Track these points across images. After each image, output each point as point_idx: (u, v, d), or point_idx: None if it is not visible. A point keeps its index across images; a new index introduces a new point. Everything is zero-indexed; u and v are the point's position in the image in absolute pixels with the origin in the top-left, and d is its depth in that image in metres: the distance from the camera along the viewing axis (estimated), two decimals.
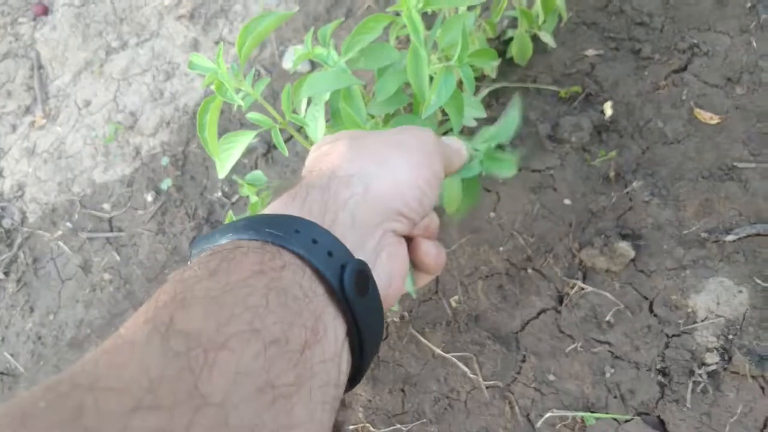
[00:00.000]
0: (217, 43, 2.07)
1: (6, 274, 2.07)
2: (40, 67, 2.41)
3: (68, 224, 2.01)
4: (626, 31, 1.68)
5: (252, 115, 1.25)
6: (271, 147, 1.85)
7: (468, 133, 1.33)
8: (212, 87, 1.11)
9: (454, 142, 0.80)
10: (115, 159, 2.02)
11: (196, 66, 1.10)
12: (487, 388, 1.46)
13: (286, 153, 1.26)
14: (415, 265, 0.70)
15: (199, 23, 2.12)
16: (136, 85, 2.11)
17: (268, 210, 0.57)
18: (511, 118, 1.22)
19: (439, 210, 1.18)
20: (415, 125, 0.87)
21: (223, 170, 1.25)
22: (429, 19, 1.73)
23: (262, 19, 1.11)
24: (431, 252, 0.70)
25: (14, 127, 2.33)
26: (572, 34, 1.69)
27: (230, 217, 1.40)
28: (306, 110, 1.34)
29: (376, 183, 0.59)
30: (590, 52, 1.66)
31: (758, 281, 1.38)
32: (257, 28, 1.11)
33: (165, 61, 2.12)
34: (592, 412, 1.37)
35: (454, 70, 1.21)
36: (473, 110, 1.35)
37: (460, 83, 1.31)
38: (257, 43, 1.14)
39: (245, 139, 1.21)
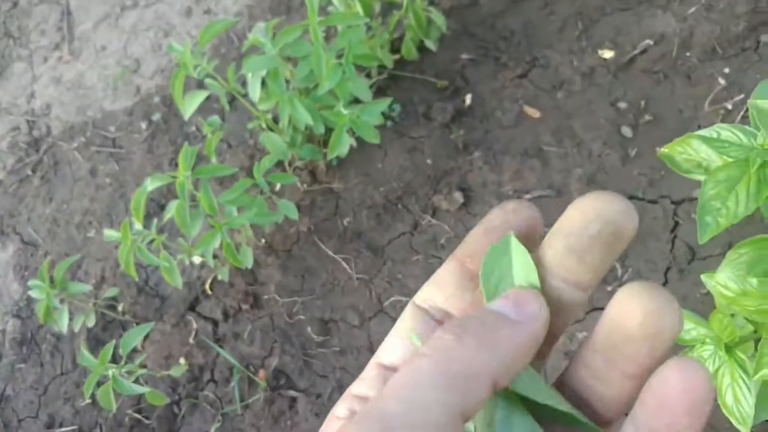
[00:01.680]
0: (205, 12, 2.64)
1: (33, 172, 2.69)
2: (69, 13, 2.98)
3: (82, 139, 2.62)
4: (493, 43, 2.26)
5: (209, 81, 1.85)
6: (234, 98, 2.45)
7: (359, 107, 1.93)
8: (179, 62, 1.71)
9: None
10: (120, 94, 2.62)
11: (174, 49, 1.71)
12: (357, 279, 2.10)
13: (227, 107, 1.87)
14: None
15: None
16: (141, 38, 2.69)
17: None
18: (381, 105, 1.84)
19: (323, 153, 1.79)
20: None
21: (186, 114, 1.85)
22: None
23: (216, 23, 1.71)
24: None
25: (45, 59, 2.92)
26: (455, 41, 2.27)
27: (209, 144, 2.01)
28: (250, 79, 1.95)
29: None
30: (464, 55, 2.25)
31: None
32: (213, 28, 1.71)
33: (165, 22, 2.69)
34: None
35: (342, 65, 1.81)
36: (362, 92, 1.95)
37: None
38: (212, 37, 1.74)
39: (201, 97, 1.82)
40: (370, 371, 0.41)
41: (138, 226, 1.77)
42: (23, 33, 3.01)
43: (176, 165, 2.41)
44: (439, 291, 0.43)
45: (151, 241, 1.78)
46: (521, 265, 0.37)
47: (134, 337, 1.74)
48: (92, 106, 2.66)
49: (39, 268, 2.48)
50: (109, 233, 1.75)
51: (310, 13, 1.71)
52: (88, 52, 2.78)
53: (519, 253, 0.37)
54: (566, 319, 0.37)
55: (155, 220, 1.80)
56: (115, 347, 1.81)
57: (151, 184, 1.72)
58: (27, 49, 2.97)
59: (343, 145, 1.83)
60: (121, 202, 2.44)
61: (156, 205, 2.38)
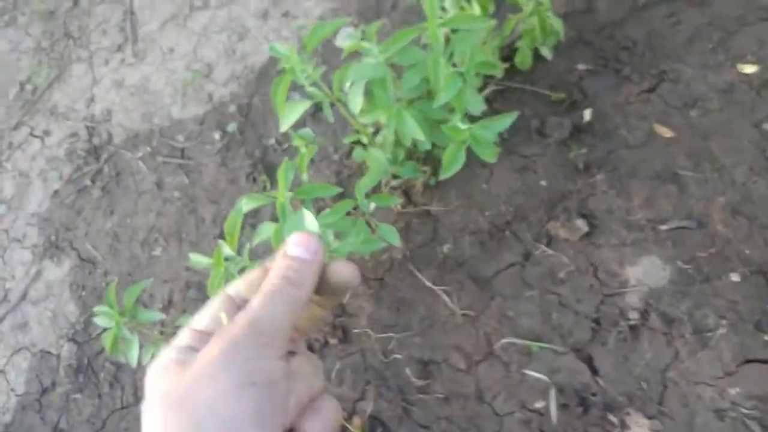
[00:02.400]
0: (284, 15, 2.42)
1: (93, 182, 2.48)
2: (132, 13, 2.78)
3: (148, 148, 2.41)
4: (613, 53, 2.01)
5: (311, 90, 1.62)
6: (317, 109, 2.22)
7: (471, 119, 1.69)
8: (285, 66, 1.49)
9: (345, 267, 0.60)
10: (190, 100, 2.41)
11: (276, 51, 1.48)
12: (461, 315, 1.85)
13: (332, 119, 1.64)
14: None
15: None
16: (213, 41, 2.49)
17: None
18: (506, 119, 1.60)
19: (433, 174, 1.56)
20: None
21: (284, 126, 1.63)
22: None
23: (324, 25, 1.48)
24: (315, 430, 0.54)
25: (107, 62, 2.72)
26: (570, 49, 2.03)
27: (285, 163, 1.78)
28: (349, 88, 1.72)
29: None
30: (581, 66, 2.00)
31: (679, 263, 1.75)
32: (320, 31, 1.48)
33: (239, 25, 2.48)
34: (538, 342, 1.76)
35: (463, 74, 1.58)
36: (475, 104, 1.72)
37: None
38: (320, 41, 1.51)
39: (303, 106, 1.59)
40: (184, 335, 0.56)
41: (228, 251, 1.54)
42: (83, 33, 2.82)
43: (253, 180, 2.19)
44: (247, 286, 0.59)
45: (242, 269, 1.55)
46: (310, 222, 0.66)
47: None
48: (158, 113, 2.45)
49: (97, 287, 2.27)
50: (196, 258, 1.53)
51: (430, 15, 1.48)
52: (154, 54, 2.58)
53: (309, 217, 0.67)
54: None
55: (247, 245, 1.57)
56: None
57: (246, 205, 1.50)
58: (87, 51, 2.78)
59: (458, 164, 1.59)
60: (191, 218, 2.22)
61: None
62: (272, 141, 2.23)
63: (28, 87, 2.86)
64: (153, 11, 2.70)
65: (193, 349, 0.53)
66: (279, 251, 0.59)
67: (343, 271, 0.59)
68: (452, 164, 1.61)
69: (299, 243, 0.57)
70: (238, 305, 0.57)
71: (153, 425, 0.48)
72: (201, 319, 0.57)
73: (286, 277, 0.55)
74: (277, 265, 0.56)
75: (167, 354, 0.54)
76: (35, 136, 2.74)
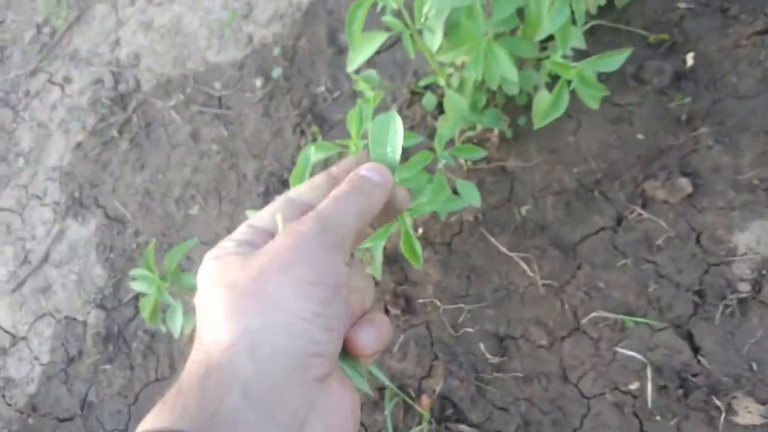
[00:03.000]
0: None
1: (120, 133, 2.28)
2: None
3: (181, 96, 2.20)
4: None
5: (388, 19, 1.40)
6: (379, 59, 2.00)
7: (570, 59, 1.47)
8: None
9: (400, 191, 0.63)
10: (228, 43, 2.19)
11: None
12: (542, 285, 1.66)
13: (412, 55, 1.42)
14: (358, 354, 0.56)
15: None
16: None
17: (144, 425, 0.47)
18: (618, 57, 1.38)
19: (526, 122, 1.35)
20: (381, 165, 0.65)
21: (355, 63, 1.41)
22: None
23: None
24: (369, 340, 0.54)
25: (133, 1, 2.50)
26: None
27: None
28: (429, 18, 1.49)
29: (267, 338, 0.47)
30: (682, 4, 1.77)
31: None
32: None
33: None
34: (632, 317, 1.57)
35: (569, 3, 1.35)
36: (576, 41, 1.50)
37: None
38: None
39: (380, 38, 1.38)
40: (243, 230, 0.56)
41: None
42: None
43: (301, 132, 1.99)
44: (311, 190, 0.59)
45: None
46: (395, 135, 0.60)
47: None
48: (192, 57, 2.24)
49: (127, 248, 2.09)
50: (254, 215, 1.32)
51: None
52: None
53: (396, 126, 0.61)
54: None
55: None
56: None
57: (315, 155, 1.29)
58: None
59: (560, 108, 1.38)
60: (231, 174, 2.02)
61: (277, 181, 1.95)
62: (322, 88, 2.01)
63: (46, 29, 2.64)
64: None
65: (252, 244, 0.54)
66: (347, 160, 0.62)
67: (398, 194, 0.62)
68: (552, 110, 1.39)
69: (373, 168, 0.58)
70: (300, 209, 0.57)
71: (216, 309, 0.48)
72: (261, 218, 0.57)
73: (357, 187, 0.56)
74: (350, 177, 0.57)
75: (226, 246, 0.54)
76: (54, 83, 2.53)
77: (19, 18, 2.72)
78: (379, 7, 1.34)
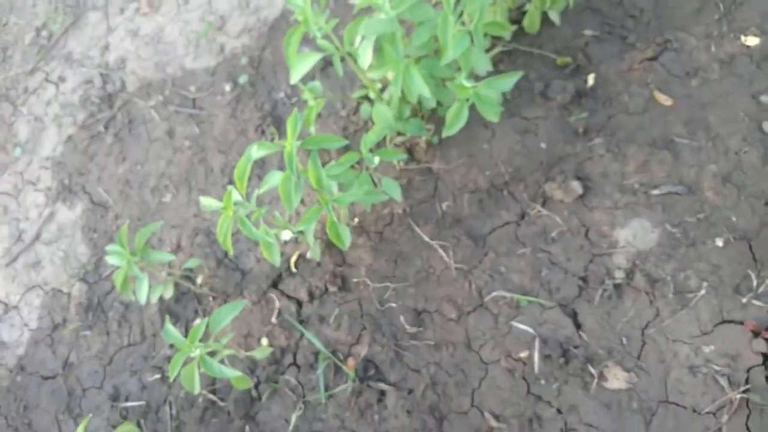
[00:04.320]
0: None
1: (105, 128, 2.64)
2: None
3: (160, 97, 2.56)
4: (620, 20, 2.13)
5: (321, 42, 1.76)
6: (327, 64, 2.36)
7: (477, 79, 1.82)
8: (299, 18, 1.62)
9: None
10: (203, 52, 2.55)
11: (292, 3, 1.61)
12: (455, 269, 2.01)
13: (341, 73, 1.78)
14: None
15: None
16: None
17: None
18: (511, 79, 1.73)
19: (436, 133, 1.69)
20: None
21: (294, 77, 1.77)
22: None
23: None
24: None
25: (122, 10, 2.86)
26: (577, 16, 2.14)
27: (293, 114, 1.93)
28: (359, 43, 1.85)
29: None
30: (588, 32, 2.12)
31: (667, 227, 1.88)
32: None
33: None
34: (527, 297, 1.92)
35: (471, 33, 1.70)
36: (482, 64, 1.84)
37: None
38: None
39: (314, 59, 1.73)
40: None
41: (237, 196, 1.69)
42: None
43: (262, 132, 2.34)
44: None
45: (250, 214, 1.70)
46: None
47: (225, 315, 1.68)
48: (172, 63, 2.60)
49: (108, 230, 2.45)
50: (207, 201, 1.68)
51: None
52: (169, 5, 2.71)
53: None
54: None
55: (255, 192, 1.72)
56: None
57: (257, 152, 1.65)
58: None
59: (461, 122, 1.73)
60: (200, 167, 2.38)
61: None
62: (282, 95, 2.37)
63: (44, 33, 3.01)
64: None
65: None
66: None
67: None
68: (455, 122, 1.75)
69: None
70: None
71: None
72: None
73: None
74: None
75: None
76: (50, 82, 2.90)
77: (20, 21, 3.08)
78: (311, 35, 1.70)
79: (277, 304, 2.11)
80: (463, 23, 1.76)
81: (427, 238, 2.06)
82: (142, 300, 1.96)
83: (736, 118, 1.94)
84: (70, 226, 2.57)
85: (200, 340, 1.71)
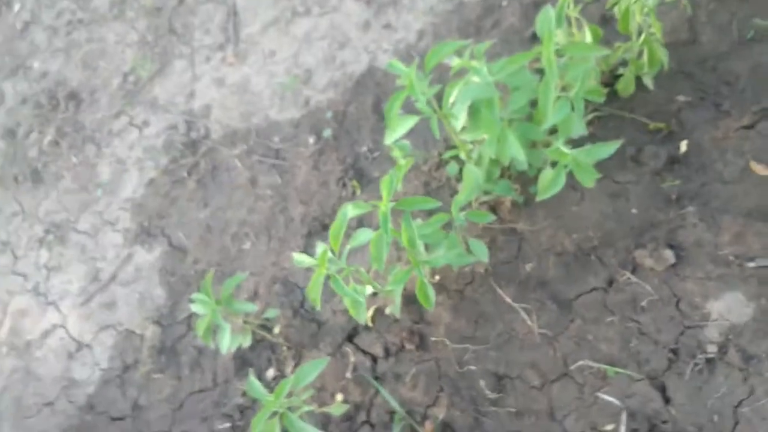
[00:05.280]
0: (385, 27, 2.63)
1: (189, 174, 2.74)
2: (235, 13, 3.05)
3: (244, 146, 2.66)
4: (714, 87, 2.13)
5: (420, 106, 1.81)
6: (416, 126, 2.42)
7: (573, 144, 1.84)
8: (404, 83, 1.68)
9: None
10: (288, 104, 2.64)
11: (396, 68, 1.67)
12: (539, 333, 1.99)
13: (438, 135, 1.82)
14: None
15: (373, 7, 2.69)
16: (314, 48, 2.72)
17: None
18: (610, 148, 1.75)
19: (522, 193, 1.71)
20: None
21: (391, 138, 1.81)
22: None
23: (445, 46, 1.67)
24: None
25: (208, 59, 2.99)
26: (670, 80, 2.15)
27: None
28: (452, 106, 1.90)
29: None
30: (681, 97, 2.13)
31: (763, 301, 1.85)
32: (441, 52, 1.67)
33: (340, 33, 2.70)
34: (614, 367, 1.89)
35: (571, 99, 1.73)
36: (579, 129, 1.86)
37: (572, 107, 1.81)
38: (440, 60, 1.70)
39: (413, 122, 1.78)
40: None
41: (329, 253, 1.73)
42: (187, 30, 3.11)
43: (343, 185, 2.40)
44: None
45: (340, 270, 1.74)
46: None
47: (310, 372, 1.70)
48: (257, 113, 2.70)
49: (186, 275, 2.52)
50: (300, 257, 1.73)
51: (546, 41, 1.64)
52: (255, 56, 2.83)
53: None
54: None
55: (347, 249, 1.76)
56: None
57: (352, 212, 1.69)
58: (189, 47, 3.06)
59: (558, 186, 1.75)
60: (281, 217, 2.44)
61: (319, 225, 2.36)
62: (364, 149, 2.43)
63: (131, 78, 3.16)
64: (256, 14, 2.96)
65: None
66: None
67: None
68: (551, 186, 1.77)
69: None
70: None
71: None
72: None
73: None
74: None
75: None
76: (134, 126, 3.03)
77: (109, 66, 3.25)
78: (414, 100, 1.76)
79: (352, 358, 2.13)
80: (563, 88, 1.79)
81: (509, 300, 2.06)
82: (224, 349, 2.00)
83: None
84: (147, 269, 2.65)
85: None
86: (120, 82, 3.20)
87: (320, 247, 1.70)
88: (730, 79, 2.15)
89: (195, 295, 2.00)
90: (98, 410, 2.48)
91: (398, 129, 1.75)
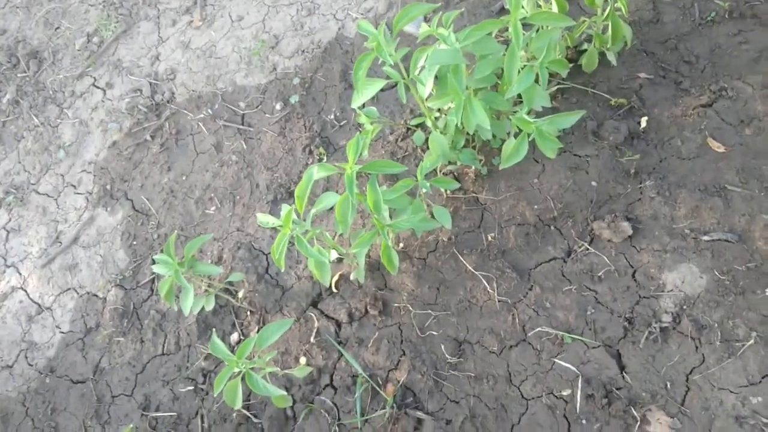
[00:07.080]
0: None
1: (152, 137, 2.66)
2: None
3: (209, 111, 2.58)
4: (675, 65, 2.14)
5: (387, 69, 1.77)
6: (383, 97, 2.37)
7: (535, 114, 1.83)
8: (371, 45, 1.63)
9: None
10: (255, 69, 2.57)
11: (364, 29, 1.63)
12: (499, 301, 2.00)
13: (404, 100, 1.79)
14: None
15: None
16: (282, 14, 2.64)
17: None
18: (572, 118, 1.73)
19: (486, 164, 1.69)
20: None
21: (359, 101, 1.77)
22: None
23: (413, 8, 1.62)
24: None
25: (174, 22, 2.89)
26: (632, 58, 2.15)
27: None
28: (419, 72, 1.86)
29: None
30: (642, 74, 2.13)
31: (716, 273, 1.87)
32: (410, 13, 1.62)
33: (309, 0, 2.63)
34: (571, 335, 1.90)
35: (536, 69, 1.71)
36: (542, 100, 1.85)
37: (536, 78, 1.79)
38: (408, 23, 1.66)
39: (380, 85, 1.74)
40: None
41: (294, 215, 1.69)
42: None
43: (309, 152, 2.35)
44: None
45: (305, 232, 1.70)
46: None
47: (273, 332, 1.67)
48: (223, 78, 2.62)
49: (149, 238, 2.45)
50: (264, 218, 1.68)
51: (513, 9, 1.61)
52: (222, 20, 2.74)
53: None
54: None
55: (312, 211, 1.72)
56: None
57: (318, 173, 1.65)
58: (155, 9, 2.95)
59: (521, 155, 1.73)
60: (246, 182, 2.38)
61: (285, 191, 2.31)
62: (331, 117, 2.38)
63: (95, 39, 3.04)
64: None
65: None
66: None
67: None
68: (514, 155, 1.75)
69: None
70: None
71: None
72: None
73: None
74: None
75: None
76: (98, 88, 2.92)
77: (72, 26, 3.12)
78: (381, 60, 1.71)
79: (317, 323, 2.10)
80: (527, 58, 1.77)
81: (471, 268, 2.05)
82: (187, 311, 1.95)
83: None
84: (109, 232, 2.57)
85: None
86: (84, 42, 3.07)
87: (285, 208, 1.65)
88: (690, 59, 2.16)
89: (158, 256, 1.94)
90: (59, 373, 2.41)
91: (365, 92, 1.71)
